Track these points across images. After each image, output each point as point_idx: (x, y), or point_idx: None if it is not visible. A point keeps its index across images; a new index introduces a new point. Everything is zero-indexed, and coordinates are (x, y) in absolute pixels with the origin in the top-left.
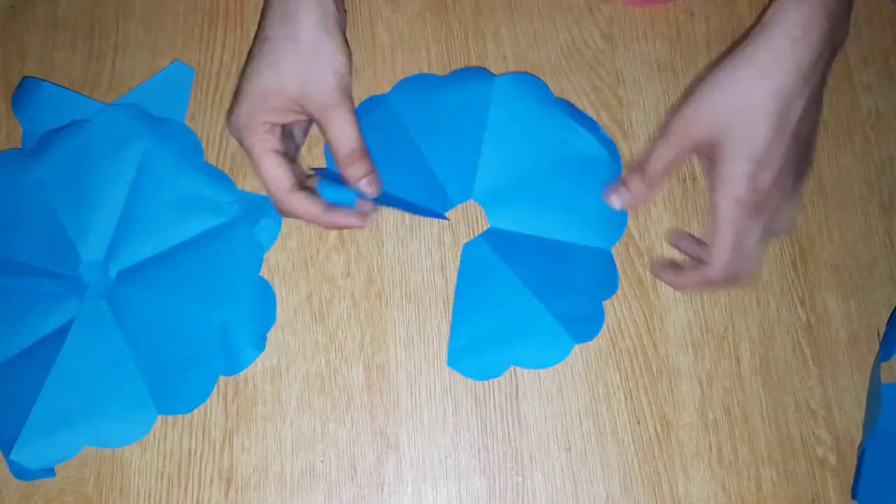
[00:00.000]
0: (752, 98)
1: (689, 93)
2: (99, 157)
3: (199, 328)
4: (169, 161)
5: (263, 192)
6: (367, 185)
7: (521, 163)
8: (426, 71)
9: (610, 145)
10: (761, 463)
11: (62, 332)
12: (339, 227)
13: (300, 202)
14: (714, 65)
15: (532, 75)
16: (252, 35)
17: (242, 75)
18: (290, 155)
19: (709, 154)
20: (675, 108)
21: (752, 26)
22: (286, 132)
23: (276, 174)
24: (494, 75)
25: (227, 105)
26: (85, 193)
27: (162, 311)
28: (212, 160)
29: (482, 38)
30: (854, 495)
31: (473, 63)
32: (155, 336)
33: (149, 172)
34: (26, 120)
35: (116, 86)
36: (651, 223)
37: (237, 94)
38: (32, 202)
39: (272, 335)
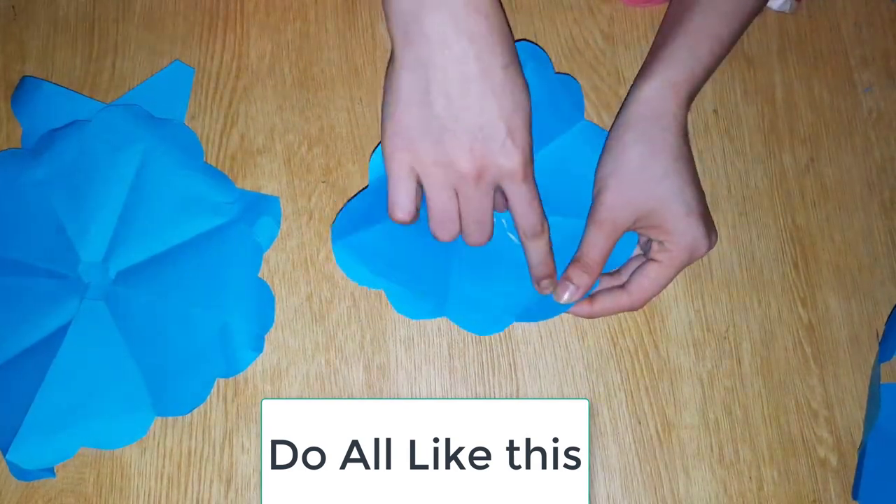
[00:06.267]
0: (654, 169)
1: (600, 178)
2: (99, 158)
3: (198, 329)
4: (169, 161)
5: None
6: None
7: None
8: None
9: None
10: (762, 463)
11: (61, 333)
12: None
13: None
14: (607, 147)
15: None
16: (251, 35)
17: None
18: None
19: (644, 226)
20: (597, 198)
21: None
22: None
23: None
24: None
25: (227, 105)
26: (85, 193)
27: (160, 311)
28: (212, 160)
29: None
30: (855, 496)
31: None
32: (153, 337)
33: (148, 173)
34: (26, 120)
35: (116, 86)
36: None
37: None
38: (32, 202)
39: (272, 335)
